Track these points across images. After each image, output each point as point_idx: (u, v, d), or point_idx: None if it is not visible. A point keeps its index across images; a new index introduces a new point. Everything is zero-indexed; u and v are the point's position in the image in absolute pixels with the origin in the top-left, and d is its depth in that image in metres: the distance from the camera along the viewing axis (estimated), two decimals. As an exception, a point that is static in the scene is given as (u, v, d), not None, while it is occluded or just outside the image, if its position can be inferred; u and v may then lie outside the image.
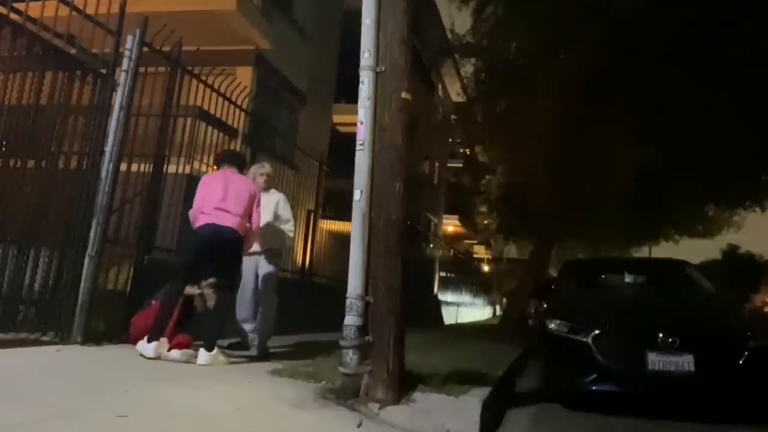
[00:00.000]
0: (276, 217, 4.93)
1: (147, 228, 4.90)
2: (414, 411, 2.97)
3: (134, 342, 4.15)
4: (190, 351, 4.00)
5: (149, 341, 3.89)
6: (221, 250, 4.07)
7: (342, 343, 3.21)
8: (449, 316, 18.66)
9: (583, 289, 5.80)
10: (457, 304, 21.35)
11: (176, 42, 4.99)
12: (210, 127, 5.71)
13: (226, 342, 4.80)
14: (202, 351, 3.89)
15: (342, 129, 12.99)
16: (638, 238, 16.83)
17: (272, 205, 4.91)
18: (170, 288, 4.09)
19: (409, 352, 3.38)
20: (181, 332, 4.16)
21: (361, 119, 3.39)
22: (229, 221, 4.08)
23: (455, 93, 20.04)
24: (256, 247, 4.63)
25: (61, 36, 4.19)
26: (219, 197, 4.11)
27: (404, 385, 3.15)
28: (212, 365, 3.86)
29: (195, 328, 4.22)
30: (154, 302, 4.25)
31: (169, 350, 3.93)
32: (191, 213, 4.23)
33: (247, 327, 4.87)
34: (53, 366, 3.33)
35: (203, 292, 4.12)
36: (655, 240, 17.34)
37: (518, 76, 10.84)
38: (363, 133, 3.37)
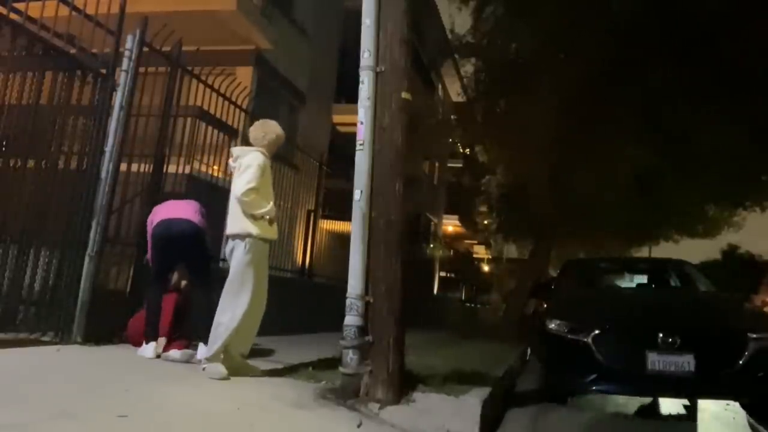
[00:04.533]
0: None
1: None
2: (414, 411, 2.97)
3: (132, 345, 4.17)
4: (189, 351, 4.00)
5: (147, 342, 3.92)
6: (185, 243, 4.06)
7: (342, 343, 3.22)
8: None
9: (583, 288, 5.79)
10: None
11: (176, 42, 4.98)
12: (210, 127, 5.70)
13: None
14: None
15: (342, 129, 12.96)
16: (638, 238, 16.83)
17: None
18: (150, 289, 4.13)
19: (409, 352, 3.38)
20: (179, 331, 4.16)
21: (361, 119, 3.40)
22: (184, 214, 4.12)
23: (455, 93, 20.01)
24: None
25: (61, 36, 4.19)
26: None
27: (404, 385, 3.15)
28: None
29: (193, 328, 4.21)
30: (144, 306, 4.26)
31: (168, 350, 3.93)
32: None
33: None
34: (53, 366, 3.32)
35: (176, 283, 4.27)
36: (655, 240, 17.35)
37: (518, 76, 10.85)
38: (363, 133, 3.37)
